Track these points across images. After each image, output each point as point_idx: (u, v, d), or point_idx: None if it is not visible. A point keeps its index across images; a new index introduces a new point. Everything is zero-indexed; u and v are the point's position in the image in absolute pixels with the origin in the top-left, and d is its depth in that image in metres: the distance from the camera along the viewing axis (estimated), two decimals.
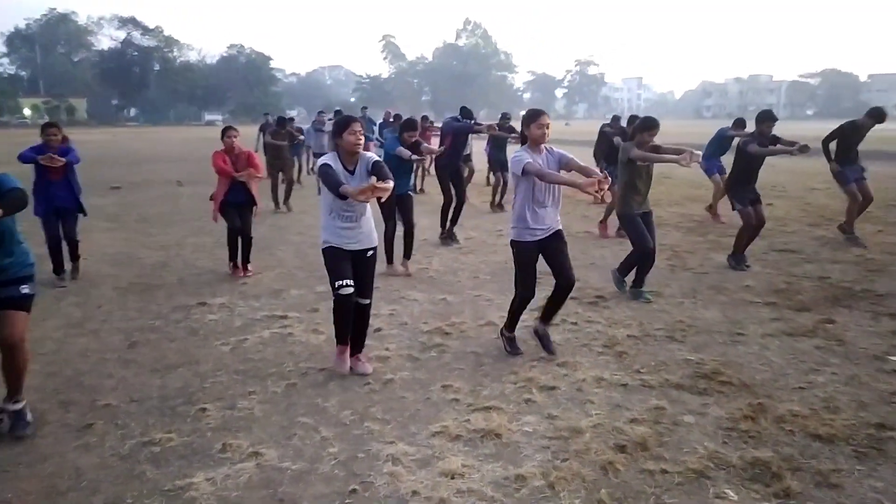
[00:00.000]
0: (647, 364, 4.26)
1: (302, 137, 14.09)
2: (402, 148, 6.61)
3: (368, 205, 3.96)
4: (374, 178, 3.53)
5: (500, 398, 3.78)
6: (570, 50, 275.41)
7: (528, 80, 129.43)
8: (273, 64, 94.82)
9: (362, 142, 3.89)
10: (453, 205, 8.30)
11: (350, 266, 3.96)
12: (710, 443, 3.20)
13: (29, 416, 3.39)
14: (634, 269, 5.82)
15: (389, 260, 6.71)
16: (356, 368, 4.15)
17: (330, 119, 13.55)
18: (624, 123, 10.34)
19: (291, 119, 14.87)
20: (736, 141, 8.34)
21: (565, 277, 4.29)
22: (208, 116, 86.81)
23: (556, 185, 4.17)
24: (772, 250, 7.63)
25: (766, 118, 6.71)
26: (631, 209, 5.69)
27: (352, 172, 3.91)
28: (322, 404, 3.72)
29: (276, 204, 11.33)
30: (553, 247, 4.30)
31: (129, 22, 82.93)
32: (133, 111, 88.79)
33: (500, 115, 12.01)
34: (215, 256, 7.44)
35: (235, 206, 6.44)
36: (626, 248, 6.16)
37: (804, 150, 6.60)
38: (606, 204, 9.29)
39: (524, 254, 4.30)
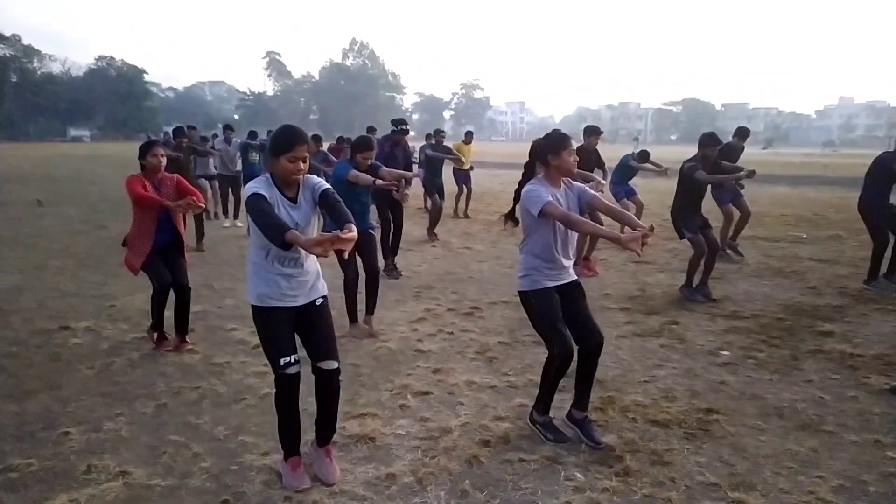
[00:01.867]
0: (514, 367, 4.57)
1: (214, 150, 11.55)
2: (356, 172, 5.24)
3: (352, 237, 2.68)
4: (337, 231, 2.61)
5: (376, 405, 3.93)
6: (456, 73, 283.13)
7: (416, 101, 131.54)
8: (148, 77, 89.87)
9: (305, 169, 2.87)
10: (391, 233, 7.76)
11: (291, 330, 3.00)
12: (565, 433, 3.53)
13: None
14: None
15: (353, 318, 5.34)
16: (324, 472, 3.05)
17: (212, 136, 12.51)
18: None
19: (192, 128, 11.50)
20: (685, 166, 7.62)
21: (594, 336, 3.45)
22: (74, 132, 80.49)
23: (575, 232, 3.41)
24: (630, 262, 8.34)
25: (710, 142, 6.36)
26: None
27: (293, 201, 2.91)
28: (194, 422, 3.69)
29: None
30: (575, 299, 3.48)
31: None
32: None
33: (434, 131, 12.00)
34: (79, 279, 7.06)
35: (160, 251, 4.79)
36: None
37: (751, 175, 7.01)
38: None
39: (546, 300, 3.40)
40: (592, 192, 3.55)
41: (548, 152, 3.38)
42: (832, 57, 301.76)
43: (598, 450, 3.31)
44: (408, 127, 8.33)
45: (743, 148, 8.96)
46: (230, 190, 11.70)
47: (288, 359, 2.93)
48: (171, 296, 4.88)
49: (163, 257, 4.81)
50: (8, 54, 77.68)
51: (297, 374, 2.97)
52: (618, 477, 3.07)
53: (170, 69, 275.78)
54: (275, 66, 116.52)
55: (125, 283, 6.53)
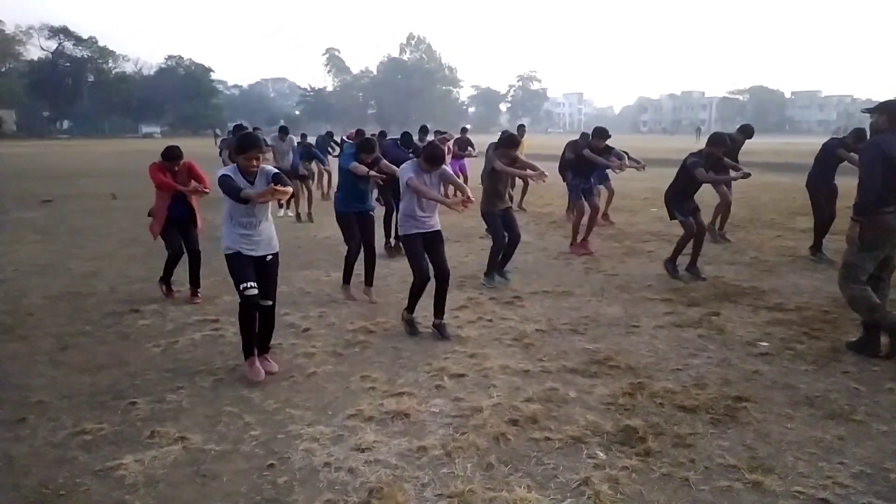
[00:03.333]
0: (549, 353, 4.72)
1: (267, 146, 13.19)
2: (356, 163, 6.14)
3: (269, 212, 4.29)
4: (272, 185, 3.89)
5: (414, 385, 4.16)
6: (513, 65, 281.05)
7: (473, 94, 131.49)
8: (214, 75, 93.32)
9: (257, 167, 4.12)
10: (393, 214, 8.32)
11: (252, 270, 4.18)
12: (591, 415, 3.66)
13: None
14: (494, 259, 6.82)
15: (346, 280, 6.36)
16: (263, 367, 4.33)
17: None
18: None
19: (257, 129, 14.04)
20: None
21: (442, 270, 5.20)
22: (145, 129, 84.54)
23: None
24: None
25: (718, 142, 6.91)
26: (494, 208, 6.77)
27: (252, 183, 4.09)
28: (247, 395, 4.01)
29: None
30: (434, 244, 5.21)
31: (60, 32, 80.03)
32: (66, 123, 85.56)
33: (461, 129, 12.88)
34: (148, 266, 7.57)
35: (176, 223, 6.12)
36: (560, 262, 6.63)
37: (746, 176, 7.52)
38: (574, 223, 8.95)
39: (412, 242, 5.17)
40: (449, 171, 5.32)
41: (425, 161, 5.10)
42: None
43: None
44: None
45: (742, 143, 9.39)
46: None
47: (247, 284, 4.13)
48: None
49: (178, 228, 6.15)
50: (85, 56, 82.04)
51: (255, 296, 4.15)
52: (638, 456, 3.19)
53: (235, 67, 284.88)
54: (334, 62, 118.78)
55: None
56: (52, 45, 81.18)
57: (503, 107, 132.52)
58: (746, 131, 9.56)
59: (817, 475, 3.01)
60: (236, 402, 3.90)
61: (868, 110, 4.78)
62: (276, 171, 4.20)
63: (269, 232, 4.32)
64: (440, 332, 5.13)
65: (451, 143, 13.81)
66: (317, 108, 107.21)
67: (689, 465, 3.11)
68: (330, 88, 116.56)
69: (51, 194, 15.47)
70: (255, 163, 4.08)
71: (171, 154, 5.98)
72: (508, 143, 6.61)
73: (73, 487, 2.96)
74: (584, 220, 8.64)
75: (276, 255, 4.37)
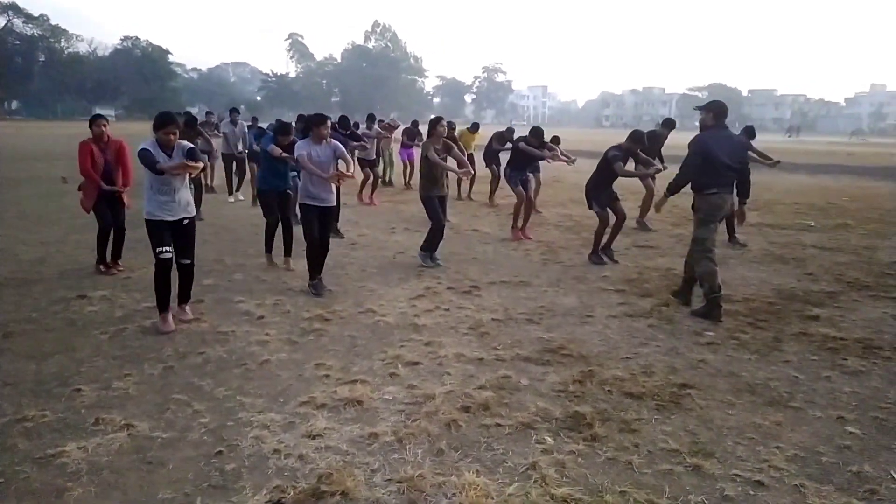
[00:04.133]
0: (504, 342, 4.78)
1: (219, 132, 12.97)
2: (273, 146, 6.91)
3: (186, 180, 4.95)
4: (184, 160, 4.74)
5: (368, 373, 4.16)
6: (479, 56, 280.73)
7: (438, 84, 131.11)
8: (172, 58, 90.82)
9: (174, 141, 4.81)
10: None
11: (169, 235, 4.86)
12: (542, 402, 3.73)
13: None
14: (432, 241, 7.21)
15: (267, 249, 7.12)
16: (180, 316, 5.08)
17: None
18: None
19: (210, 113, 14.73)
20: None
21: (325, 237, 6.11)
22: (99, 111, 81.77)
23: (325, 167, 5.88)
24: (634, 246, 8.48)
25: (637, 139, 7.53)
26: (431, 193, 7.09)
27: (169, 156, 4.80)
28: (198, 383, 3.96)
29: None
30: (327, 217, 6.12)
31: (9, 8, 76.76)
32: (15, 104, 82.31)
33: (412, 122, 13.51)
34: (118, 272, 7.38)
35: (106, 199, 6.47)
36: (516, 250, 6.68)
37: (660, 170, 8.12)
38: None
39: (308, 213, 5.95)
40: (342, 148, 6.02)
41: (313, 125, 5.85)
42: (864, 43, 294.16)
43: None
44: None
45: (666, 136, 9.97)
46: (234, 168, 12.70)
47: (162, 248, 4.81)
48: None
49: (107, 204, 6.48)
50: (36, 34, 78.97)
51: (170, 260, 4.86)
52: (585, 441, 3.27)
53: (194, 50, 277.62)
54: (297, 47, 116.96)
55: (141, 257, 6.83)
56: (0, 22, 77.85)
57: (468, 98, 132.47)
58: (669, 125, 10.17)
59: (754, 459, 3.13)
60: (186, 390, 3.84)
61: (698, 108, 5.67)
62: (191, 146, 4.92)
63: (187, 198, 4.98)
64: (315, 290, 5.95)
65: (399, 132, 14.71)
66: (279, 95, 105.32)
67: (633, 450, 3.19)
68: (293, 75, 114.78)
69: None
70: (171, 137, 4.75)
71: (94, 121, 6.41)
72: (430, 128, 7.17)
73: (13, 475, 2.88)
74: (521, 207, 9.07)
75: (192, 218, 5.03)
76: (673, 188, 5.50)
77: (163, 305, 4.90)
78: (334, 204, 6.12)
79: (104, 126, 6.37)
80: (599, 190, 7.45)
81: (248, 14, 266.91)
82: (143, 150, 4.66)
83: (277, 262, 7.05)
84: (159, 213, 4.79)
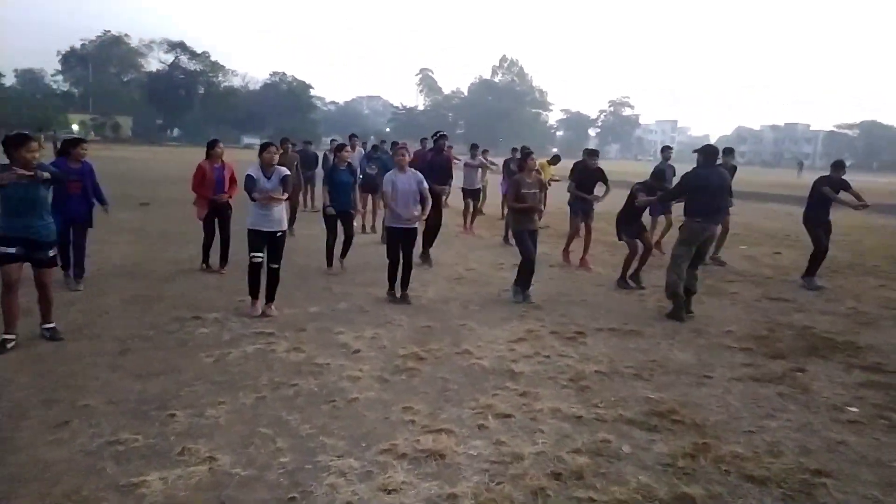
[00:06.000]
0: (606, 399, 4.38)
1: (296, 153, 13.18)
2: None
3: (282, 198, 6.10)
4: (278, 191, 6.06)
5: (456, 422, 3.94)
6: (605, 90, 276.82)
7: (562, 118, 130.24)
8: (313, 92, 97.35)
9: (275, 159, 6.22)
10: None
11: (263, 243, 6.07)
12: (644, 476, 3.32)
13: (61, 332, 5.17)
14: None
15: (329, 263, 8.21)
16: (267, 312, 6.07)
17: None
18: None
19: (354, 136, 14.32)
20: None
21: (407, 258, 6.87)
22: (246, 139, 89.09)
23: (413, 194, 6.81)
24: (765, 298, 7.67)
25: (659, 177, 8.33)
26: (522, 227, 7.15)
27: (269, 178, 6.07)
28: (286, 417, 3.92)
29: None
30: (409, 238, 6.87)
31: (177, 46, 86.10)
32: (176, 131, 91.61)
33: (471, 145, 13.21)
34: (222, 274, 7.77)
35: (216, 211, 7.87)
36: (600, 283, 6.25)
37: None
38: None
39: (392, 236, 6.86)
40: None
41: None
42: None
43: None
44: (446, 134, 9.77)
45: (673, 170, 9.87)
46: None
47: (254, 254, 6.04)
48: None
49: (217, 213, 7.89)
50: (198, 69, 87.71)
51: (259, 264, 6.09)
52: None
53: (332, 84, 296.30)
54: (427, 82, 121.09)
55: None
56: (170, 58, 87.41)
57: (592, 131, 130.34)
58: (665, 154, 10.49)
59: None
60: (273, 424, 3.81)
61: (695, 151, 6.93)
62: (287, 174, 6.18)
63: (280, 214, 6.17)
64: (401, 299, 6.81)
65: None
66: (407, 126, 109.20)
67: None
68: (421, 107, 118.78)
69: (150, 197, 16.34)
70: (273, 155, 6.16)
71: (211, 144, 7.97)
72: (520, 162, 7.57)
73: (95, 502, 2.93)
74: (581, 234, 9.50)
75: (284, 231, 6.22)
76: (662, 200, 7.86)
77: (253, 294, 6.12)
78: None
79: (219, 147, 7.97)
80: (628, 222, 8.01)
81: (384, 50, 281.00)
82: (248, 175, 6.03)
83: (336, 266, 8.28)
84: (258, 224, 6.00)
